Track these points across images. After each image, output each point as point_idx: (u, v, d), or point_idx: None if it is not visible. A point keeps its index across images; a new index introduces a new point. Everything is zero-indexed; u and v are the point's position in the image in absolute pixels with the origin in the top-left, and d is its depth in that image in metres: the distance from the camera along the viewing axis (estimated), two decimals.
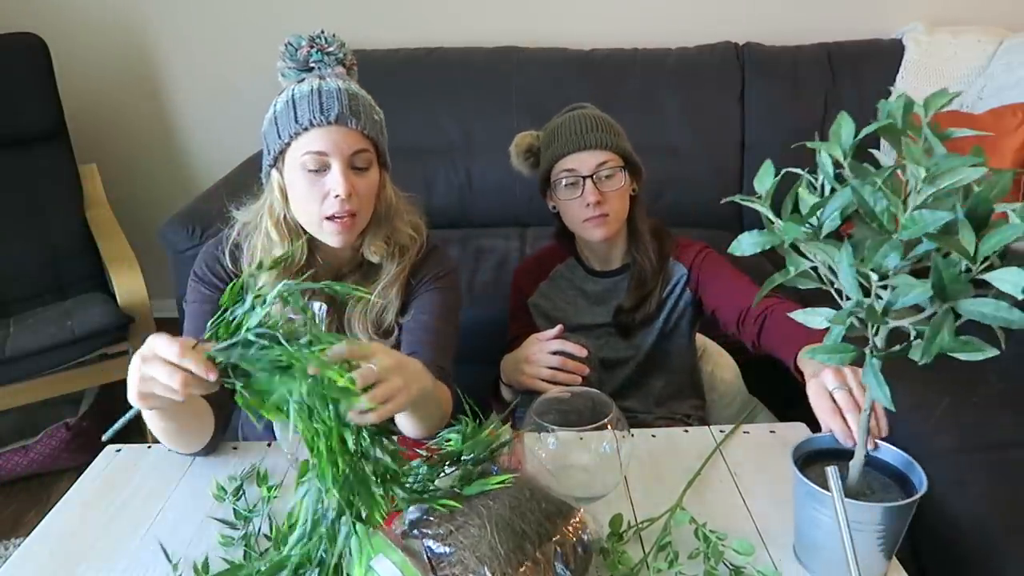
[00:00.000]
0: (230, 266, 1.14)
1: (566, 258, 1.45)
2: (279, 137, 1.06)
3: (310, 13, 2.56)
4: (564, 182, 1.33)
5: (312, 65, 1.08)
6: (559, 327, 1.24)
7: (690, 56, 2.41)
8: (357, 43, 2.53)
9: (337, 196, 1.05)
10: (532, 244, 2.19)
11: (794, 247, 0.73)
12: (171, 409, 0.91)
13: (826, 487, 0.76)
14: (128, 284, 2.09)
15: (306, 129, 1.04)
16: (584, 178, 1.31)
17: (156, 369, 0.77)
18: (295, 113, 1.04)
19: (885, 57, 2.36)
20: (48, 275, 2.28)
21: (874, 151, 0.74)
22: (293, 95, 1.06)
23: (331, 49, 1.09)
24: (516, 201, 2.40)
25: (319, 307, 0.96)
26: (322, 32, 1.10)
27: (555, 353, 1.21)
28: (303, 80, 1.07)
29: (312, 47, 1.08)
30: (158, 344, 0.78)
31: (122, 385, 1.99)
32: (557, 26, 2.56)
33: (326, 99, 1.04)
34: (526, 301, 1.44)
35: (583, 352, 1.21)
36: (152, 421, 0.95)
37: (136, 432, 0.97)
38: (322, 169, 1.05)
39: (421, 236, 1.21)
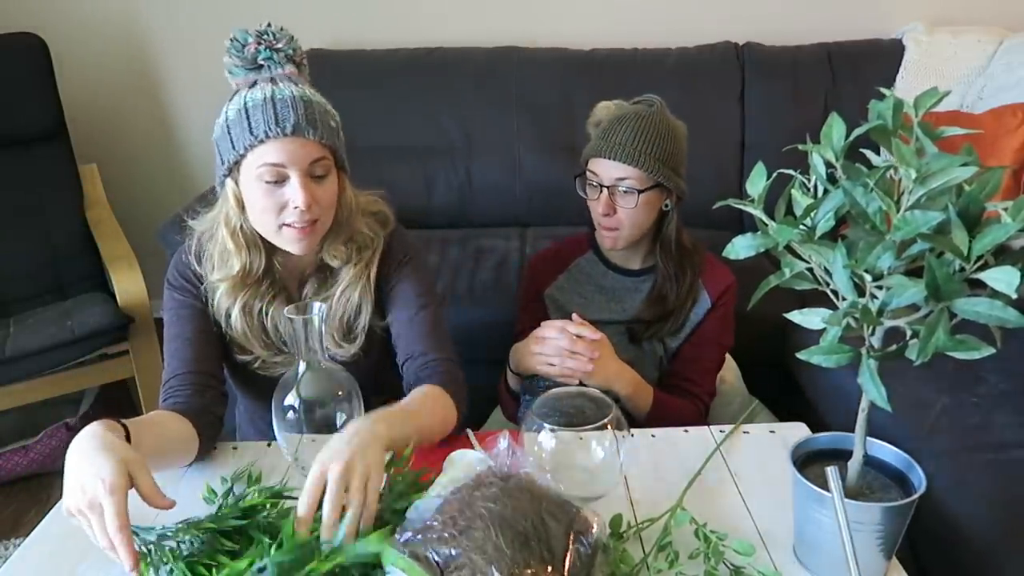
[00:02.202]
0: (199, 270, 1.14)
1: (586, 251, 1.44)
2: (233, 148, 1.02)
3: (310, 13, 2.56)
4: (588, 181, 1.33)
5: (261, 63, 1.05)
6: (575, 317, 1.23)
7: (690, 56, 2.41)
8: (357, 43, 2.54)
9: (296, 207, 1.02)
10: (532, 244, 2.19)
11: (789, 248, 0.73)
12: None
13: (826, 487, 0.76)
14: (128, 284, 2.09)
15: (262, 141, 1.00)
16: (603, 187, 1.29)
17: (93, 523, 0.79)
18: (249, 124, 1.00)
19: (885, 57, 2.36)
20: (48, 275, 2.28)
21: (871, 153, 0.74)
22: (246, 103, 1.01)
23: (280, 45, 1.05)
24: (516, 201, 2.40)
25: (319, 307, 0.96)
26: (269, 27, 1.06)
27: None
28: (255, 84, 1.04)
29: (260, 44, 1.04)
30: (106, 506, 0.78)
31: (122, 385, 2.00)
32: (557, 26, 2.56)
33: (280, 109, 1.00)
34: (542, 293, 1.43)
35: (597, 335, 1.21)
36: None
37: None
38: (280, 180, 1.03)
39: (380, 234, 1.18)
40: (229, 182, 1.07)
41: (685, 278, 1.35)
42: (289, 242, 1.07)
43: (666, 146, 1.27)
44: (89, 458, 0.82)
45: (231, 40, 1.05)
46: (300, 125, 1.01)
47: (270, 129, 1.00)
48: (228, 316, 1.13)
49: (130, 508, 0.98)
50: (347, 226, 1.13)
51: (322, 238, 1.11)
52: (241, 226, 1.08)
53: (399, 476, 0.92)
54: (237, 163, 1.04)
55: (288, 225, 1.05)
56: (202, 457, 1.08)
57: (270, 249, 1.12)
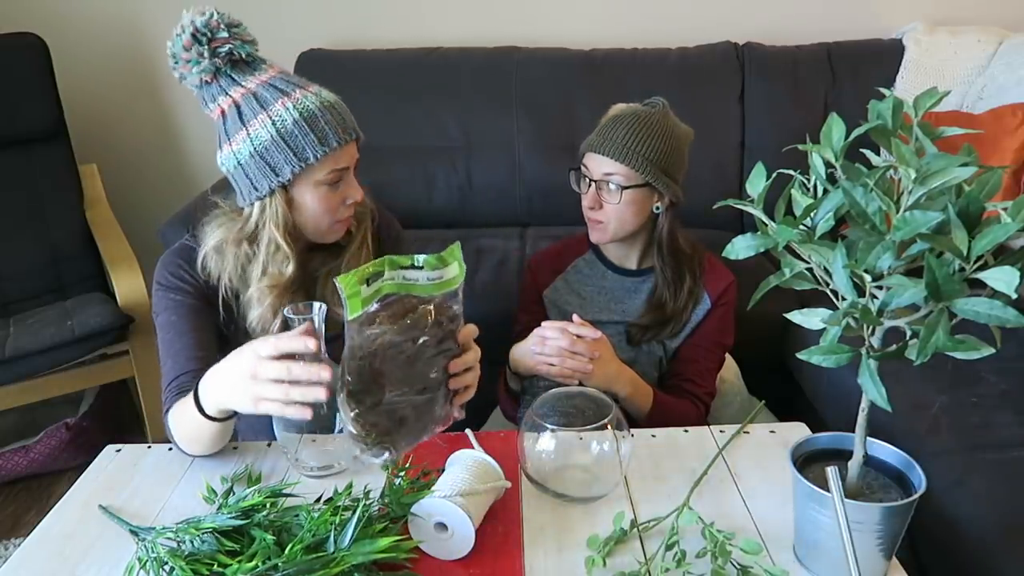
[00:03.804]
0: (200, 275, 1.13)
1: (585, 251, 1.44)
2: (297, 159, 1.04)
3: (310, 13, 2.56)
4: (581, 175, 1.34)
5: (239, 59, 1.04)
6: (576, 318, 1.24)
7: (690, 56, 2.41)
8: (357, 43, 2.53)
9: (352, 202, 1.10)
10: (532, 244, 2.19)
11: (789, 248, 0.73)
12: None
13: (826, 487, 0.76)
14: (128, 284, 2.09)
15: (334, 149, 1.05)
16: (591, 181, 1.31)
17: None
18: (315, 134, 1.04)
19: (885, 57, 2.36)
20: (48, 275, 2.28)
21: (871, 153, 0.74)
22: (301, 113, 1.03)
23: (249, 39, 1.06)
24: (516, 201, 2.40)
25: (319, 307, 0.96)
26: (225, 15, 1.03)
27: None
28: (285, 92, 1.04)
29: (233, 39, 1.03)
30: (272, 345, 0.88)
31: (122, 385, 1.99)
32: (557, 26, 2.56)
33: (336, 117, 1.06)
34: (541, 294, 1.44)
35: (597, 335, 1.21)
36: (208, 432, 1.00)
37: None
38: (338, 181, 1.09)
39: (368, 206, 1.23)
40: (279, 192, 1.08)
41: (683, 283, 1.35)
42: (336, 234, 1.15)
43: (659, 148, 1.27)
44: (227, 375, 0.92)
45: (193, 36, 1.01)
46: (356, 129, 1.09)
47: (339, 137, 1.06)
48: (264, 318, 1.13)
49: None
50: None
51: None
52: (292, 229, 1.11)
53: (402, 475, 0.92)
54: (299, 173, 1.06)
55: (339, 220, 1.12)
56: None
57: (294, 239, 1.14)
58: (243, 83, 1.05)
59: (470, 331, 0.94)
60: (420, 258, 0.85)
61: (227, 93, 1.05)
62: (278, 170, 1.05)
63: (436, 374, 0.90)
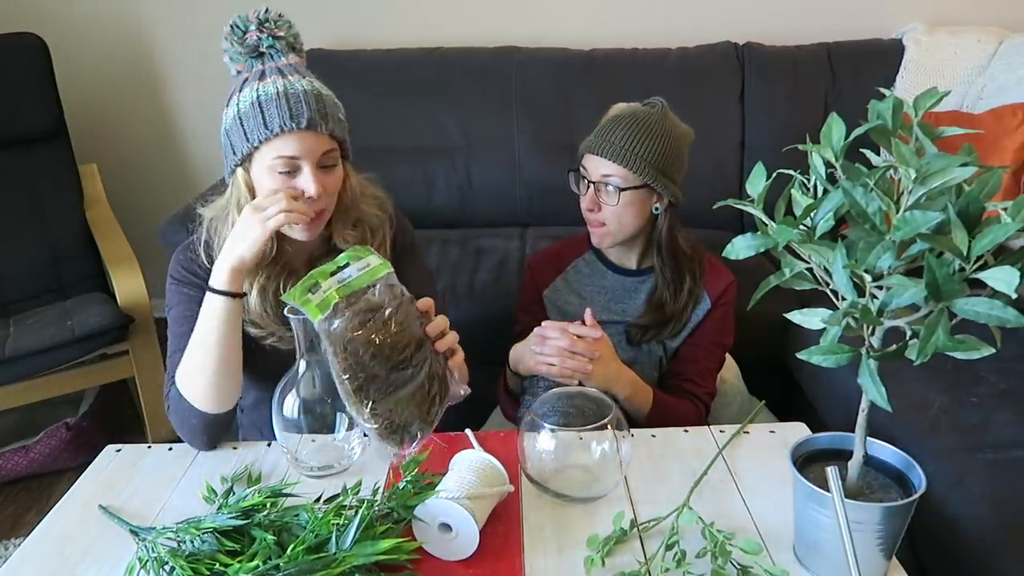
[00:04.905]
0: (206, 263, 1.13)
1: (586, 251, 1.44)
2: (247, 140, 1.05)
3: (310, 13, 2.56)
4: (579, 176, 1.33)
5: (263, 51, 1.07)
6: (588, 317, 1.24)
7: (690, 56, 2.41)
8: (357, 43, 2.54)
9: (308, 196, 1.06)
10: (532, 244, 2.20)
11: (789, 248, 0.73)
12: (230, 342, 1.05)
13: (826, 487, 0.76)
14: (128, 284, 2.09)
15: (277, 135, 1.03)
16: (590, 182, 1.31)
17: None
18: (263, 117, 1.03)
19: (885, 57, 2.36)
20: (48, 275, 2.28)
21: (871, 153, 0.74)
22: (259, 97, 1.04)
23: (281, 33, 1.08)
24: (516, 201, 2.40)
25: None
26: (267, 11, 1.07)
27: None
28: (263, 76, 1.06)
29: (262, 31, 1.06)
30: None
31: (122, 385, 1.98)
32: (557, 26, 2.57)
33: (295, 103, 1.03)
34: (541, 294, 1.44)
35: (597, 333, 1.21)
36: (217, 325, 1.04)
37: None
38: (292, 171, 1.06)
39: (387, 212, 1.23)
40: (240, 171, 1.09)
41: (683, 283, 1.35)
42: (298, 232, 1.10)
43: (658, 149, 1.27)
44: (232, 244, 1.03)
45: (232, 27, 1.07)
46: (314, 120, 1.04)
47: (285, 124, 1.03)
48: (246, 298, 1.13)
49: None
50: (354, 210, 1.17)
51: (328, 222, 1.14)
52: None
53: (408, 477, 0.92)
54: (250, 154, 1.07)
55: (300, 213, 1.09)
56: (213, 445, 1.11)
57: (280, 232, 1.12)
58: (253, 70, 1.08)
59: (427, 302, 0.99)
60: (340, 259, 0.93)
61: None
62: (235, 148, 1.07)
63: (419, 337, 0.93)
